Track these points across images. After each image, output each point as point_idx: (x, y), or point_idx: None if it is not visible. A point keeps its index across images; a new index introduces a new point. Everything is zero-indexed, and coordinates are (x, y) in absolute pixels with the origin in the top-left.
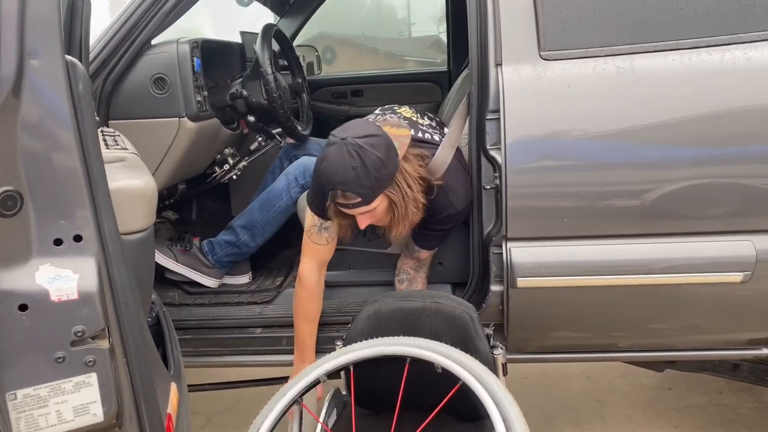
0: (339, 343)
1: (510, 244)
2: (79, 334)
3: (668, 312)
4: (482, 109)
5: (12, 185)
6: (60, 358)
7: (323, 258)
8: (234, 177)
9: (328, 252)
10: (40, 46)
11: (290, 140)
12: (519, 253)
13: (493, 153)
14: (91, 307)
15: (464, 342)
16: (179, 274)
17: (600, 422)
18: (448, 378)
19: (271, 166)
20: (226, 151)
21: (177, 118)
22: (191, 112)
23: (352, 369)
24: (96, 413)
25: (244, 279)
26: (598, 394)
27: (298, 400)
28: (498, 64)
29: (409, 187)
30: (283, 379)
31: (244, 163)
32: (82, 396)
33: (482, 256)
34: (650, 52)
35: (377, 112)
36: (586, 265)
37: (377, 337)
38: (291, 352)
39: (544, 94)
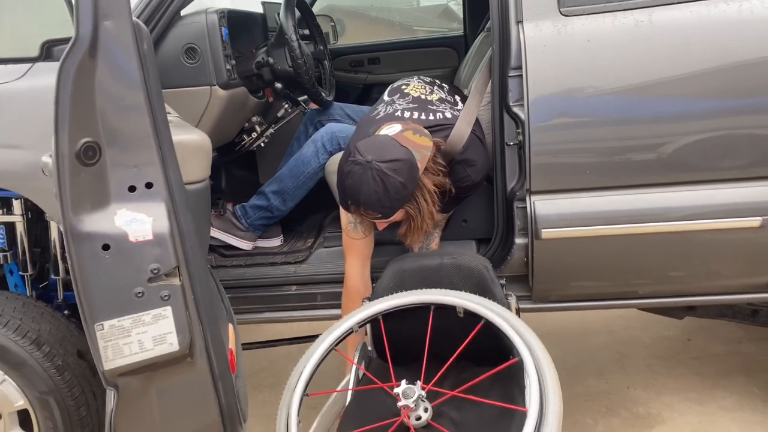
0: (365, 300)
1: (534, 198)
2: (155, 272)
3: (688, 258)
4: (504, 67)
5: (92, 137)
6: (139, 293)
7: (365, 253)
8: (262, 144)
9: (367, 246)
10: (111, 8)
11: (313, 106)
12: (543, 205)
13: (516, 109)
14: (164, 248)
15: (482, 291)
16: (215, 238)
17: (622, 372)
18: (467, 328)
19: (296, 132)
20: (254, 119)
21: (208, 87)
22: (222, 80)
23: (381, 319)
24: (172, 343)
25: (276, 242)
26: (619, 347)
27: (334, 348)
28: (519, 22)
29: (426, 202)
30: (315, 338)
31: (271, 130)
32: (160, 327)
33: (506, 210)
34: (668, 4)
35: (386, 98)
36: (608, 215)
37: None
38: (326, 307)
39: (565, 49)
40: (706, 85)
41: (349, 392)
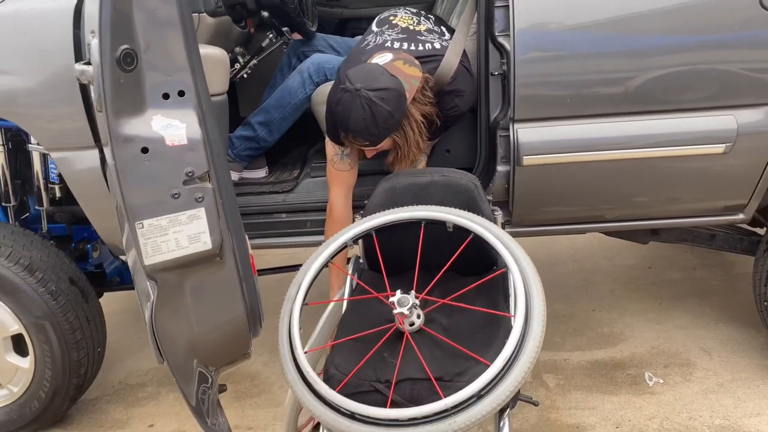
0: (358, 216)
1: (517, 126)
2: (190, 174)
3: (657, 183)
4: None
5: (130, 44)
6: (176, 194)
7: (349, 183)
8: (245, 76)
9: (352, 177)
10: None
11: (297, 37)
12: (525, 133)
13: (501, 40)
14: (198, 152)
15: (470, 206)
16: None
17: (586, 297)
18: (454, 240)
19: (277, 64)
20: (237, 49)
21: (197, 14)
22: (210, 7)
23: (374, 234)
24: (206, 242)
25: (261, 173)
26: (584, 275)
27: (330, 261)
28: None
29: (413, 130)
30: (295, 267)
31: (254, 61)
32: (194, 227)
33: (489, 139)
34: None
35: (374, 29)
36: (587, 143)
37: (393, 208)
38: (316, 233)
39: None
40: (682, 21)
41: (345, 301)
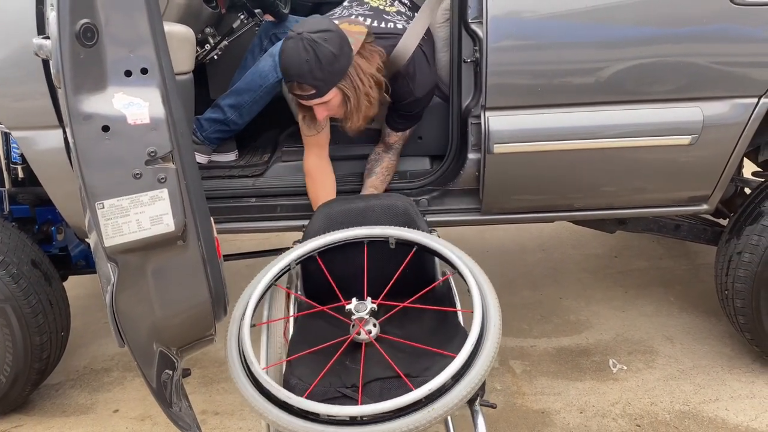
0: (295, 242)
1: (488, 114)
2: (152, 154)
3: (625, 172)
4: None
5: (90, 18)
6: (137, 174)
7: (319, 144)
8: (215, 57)
9: (321, 138)
10: None
11: (269, 18)
12: (496, 121)
13: (474, 27)
14: (161, 131)
15: (408, 225)
16: None
17: (555, 285)
18: (395, 262)
19: (250, 45)
20: (207, 30)
21: None
22: None
23: (317, 256)
24: (168, 223)
25: (231, 156)
26: (553, 263)
27: (273, 284)
28: None
29: (361, 81)
30: (270, 252)
31: (225, 42)
32: (157, 208)
33: (461, 127)
34: None
35: (345, 4)
36: (556, 132)
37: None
38: (286, 218)
39: None
40: (653, 13)
41: (291, 320)
